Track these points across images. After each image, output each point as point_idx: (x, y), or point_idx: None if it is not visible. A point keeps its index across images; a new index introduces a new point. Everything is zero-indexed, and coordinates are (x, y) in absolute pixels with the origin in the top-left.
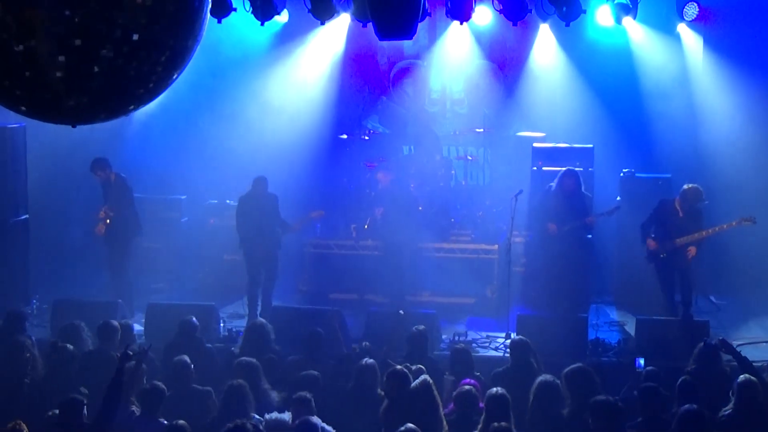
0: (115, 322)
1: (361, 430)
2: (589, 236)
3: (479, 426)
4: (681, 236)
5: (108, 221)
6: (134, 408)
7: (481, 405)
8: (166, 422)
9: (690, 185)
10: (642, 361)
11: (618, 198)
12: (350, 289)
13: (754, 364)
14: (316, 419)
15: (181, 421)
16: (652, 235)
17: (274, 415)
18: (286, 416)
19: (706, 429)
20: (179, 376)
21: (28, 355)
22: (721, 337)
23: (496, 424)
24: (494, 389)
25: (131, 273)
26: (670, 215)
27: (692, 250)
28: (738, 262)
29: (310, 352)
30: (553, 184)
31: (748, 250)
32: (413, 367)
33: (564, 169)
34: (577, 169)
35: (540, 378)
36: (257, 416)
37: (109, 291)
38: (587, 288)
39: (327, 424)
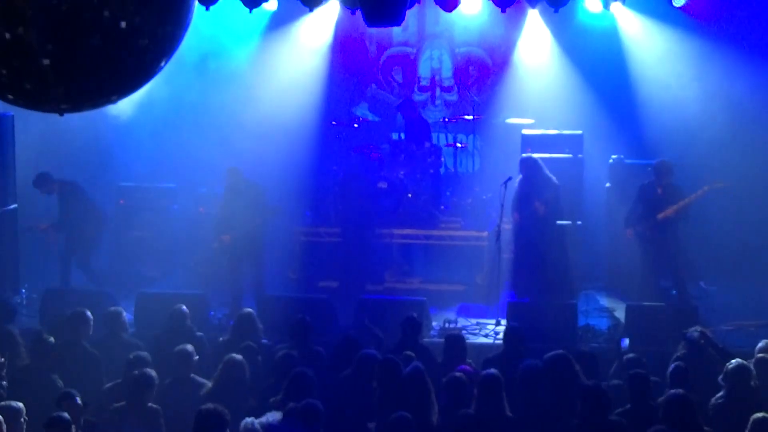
0: (88, 312)
1: (356, 418)
2: (579, 222)
3: (473, 406)
4: (662, 211)
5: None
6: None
7: (476, 392)
8: (156, 406)
9: (657, 161)
10: (627, 342)
11: (607, 184)
12: (340, 277)
13: (743, 349)
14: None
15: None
16: (635, 221)
17: (270, 416)
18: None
19: (693, 413)
20: (179, 365)
21: None
22: (700, 330)
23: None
24: (487, 371)
25: (92, 263)
26: (651, 195)
27: (669, 211)
28: (727, 248)
29: (298, 340)
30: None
31: (737, 236)
32: (402, 355)
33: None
34: (565, 155)
35: (525, 363)
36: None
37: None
38: (575, 274)
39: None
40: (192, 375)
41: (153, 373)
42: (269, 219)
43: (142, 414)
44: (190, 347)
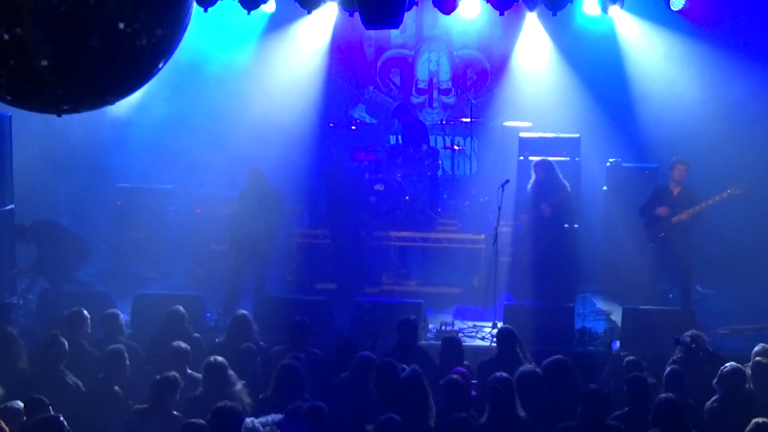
0: (85, 312)
1: (354, 421)
2: (576, 226)
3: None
4: (677, 214)
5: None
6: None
7: (473, 393)
8: (178, 414)
9: (674, 159)
10: (618, 343)
11: (604, 187)
12: (337, 279)
13: (740, 353)
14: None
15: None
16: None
17: (270, 418)
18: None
19: (684, 417)
20: (174, 362)
21: None
22: (692, 333)
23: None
24: (498, 373)
25: (78, 277)
26: (666, 196)
27: (683, 216)
28: (724, 252)
29: (295, 342)
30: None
31: (734, 240)
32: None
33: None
34: (562, 159)
35: (521, 368)
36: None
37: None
38: (572, 277)
39: None
40: (189, 371)
41: (177, 376)
42: (283, 222)
43: (165, 418)
44: (184, 344)
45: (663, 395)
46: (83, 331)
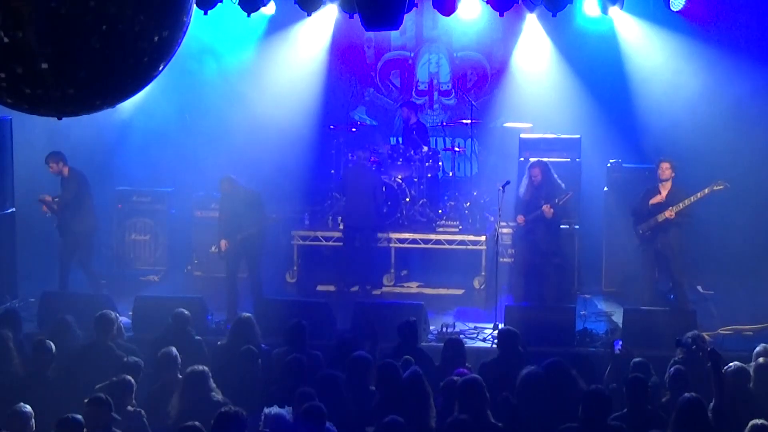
0: (112, 313)
1: (352, 422)
2: (577, 227)
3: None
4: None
5: (47, 211)
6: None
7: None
8: (133, 409)
9: (658, 160)
10: (620, 343)
11: (605, 188)
12: (338, 281)
13: (741, 354)
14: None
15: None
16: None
17: (274, 409)
18: (285, 411)
19: (707, 417)
20: (167, 367)
21: None
22: (693, 334)
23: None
24: (466, 376)
25: (95, 267)
26: (654, 197)
27: (668, 213)
28: (724, 252)
29: (294, 343)
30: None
31: (735, 240)
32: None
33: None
34: (563, 159)
35: (524, 370)
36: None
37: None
38: (573, 278)
39: None
40: (179, 376)
41: (131, 378)
42: (266, 225)
43: (124, 417)
44: (174, 350)
45: (686, 395)
46: (112, 334)
